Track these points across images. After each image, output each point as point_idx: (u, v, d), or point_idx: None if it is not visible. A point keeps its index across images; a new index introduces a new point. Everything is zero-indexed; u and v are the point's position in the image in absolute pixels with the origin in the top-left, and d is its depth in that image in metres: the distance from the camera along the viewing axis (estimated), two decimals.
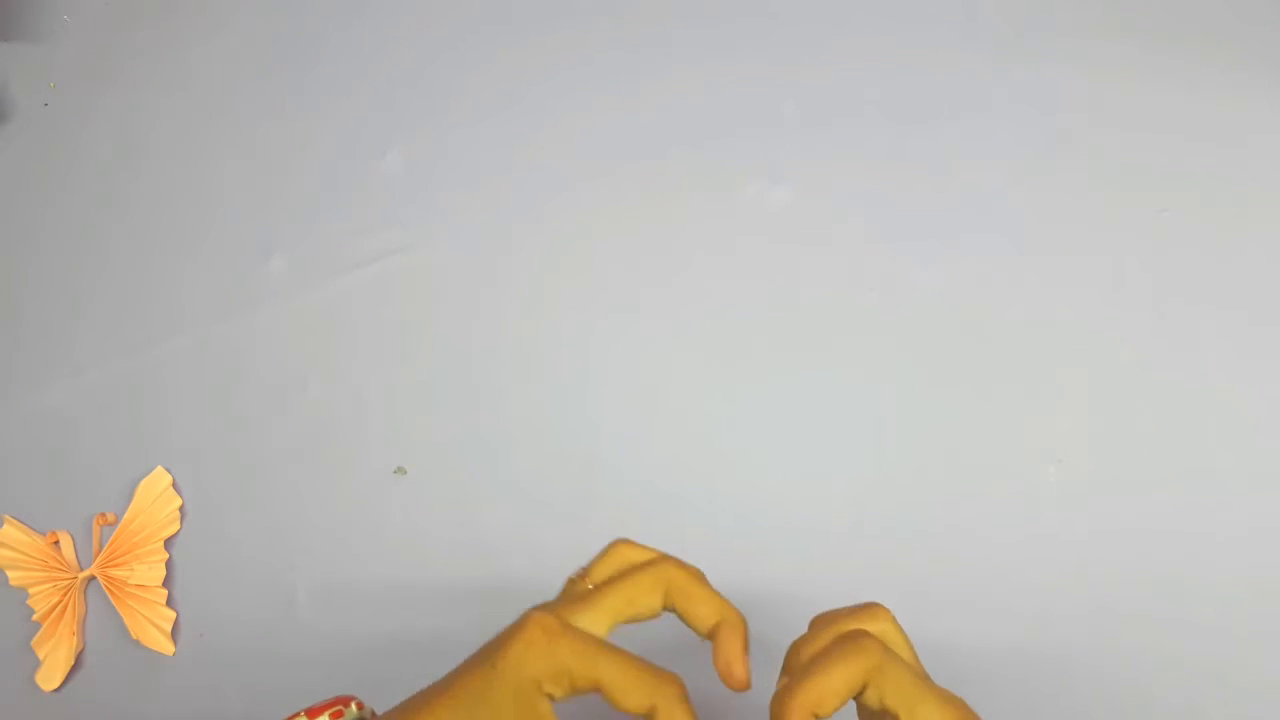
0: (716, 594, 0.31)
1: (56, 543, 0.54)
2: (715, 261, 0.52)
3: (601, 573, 0.33)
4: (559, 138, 0.55)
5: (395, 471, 0.52)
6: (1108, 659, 0.45)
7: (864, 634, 0.30)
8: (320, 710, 0.36)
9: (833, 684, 0.29)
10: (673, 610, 0.31)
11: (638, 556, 0.33)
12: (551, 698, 0.29)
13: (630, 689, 0.28)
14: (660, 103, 0.54)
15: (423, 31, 0.57)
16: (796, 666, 0.31)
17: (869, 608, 0.32)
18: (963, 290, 0.50)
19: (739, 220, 0.52)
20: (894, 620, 0.32)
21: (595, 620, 0.30)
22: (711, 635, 0.31)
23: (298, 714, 0.36)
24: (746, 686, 0.30)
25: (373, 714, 0.38)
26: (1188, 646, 0.45)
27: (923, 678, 0.30)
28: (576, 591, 0.32)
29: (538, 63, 0.56)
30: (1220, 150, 0.50)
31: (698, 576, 0.32)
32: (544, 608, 0.31)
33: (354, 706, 0.37)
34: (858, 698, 0.30)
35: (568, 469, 0.51)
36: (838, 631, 0.31)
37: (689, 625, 0.31)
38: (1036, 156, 0.51)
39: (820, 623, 0.33)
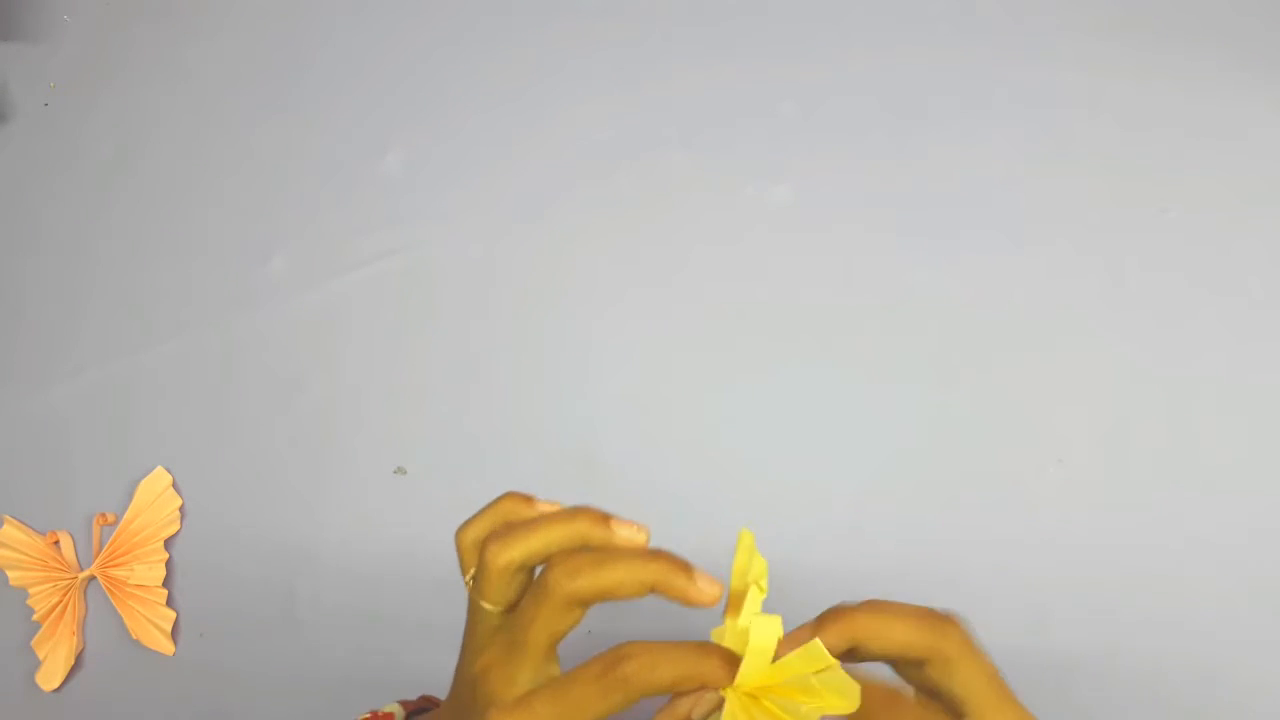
0: (620, 565, 0.28)
1: (56, 543, 0.54)
2: (715, 260, 0.52)
3: (496, 591, 0.30)
4: (558, 137, 0.55)
5: (395, 471, 0.52)
6: (1108, 658, 0.45)
7: (949, 616, 0.28)
8: None
9: (895, 630, 0.28)
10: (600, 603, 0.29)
11: (519, 557, 0.30)
12: None
13: (614, 706, 0.27)
14: (660, 102, 0.54)
15: (422, 32, 0.57)
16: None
17: (948, 611, 0.29)
18: (963, 289, 0.50)
19: (739, 219, 0.52)
20: (968, 633, 0.29)
21: (536, 671, 0.29)
22: (654, 594, 0.29)
23: None
24: (719, 595, 0.28)
25: (402, 712, 0.37)
26: (1188, 646, 0.45)
27: (1004, 684, 0.28)
28: (487, 624, 0.31)
29: (537, 63, 0.56)
30: (1221, 148, 0.50)
31: (596, 565, 0.28)
32: (485, 689, 0.29)
33: (397, 705, 0.36)
34: (911, 671, 0.29)
35: (567, 469, 0.51)
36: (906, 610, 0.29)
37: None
38: (1037, 155, 0.51)
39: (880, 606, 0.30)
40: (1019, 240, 0.50)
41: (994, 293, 0.50)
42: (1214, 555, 0.46)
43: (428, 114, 0.56)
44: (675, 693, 0.27)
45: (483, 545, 0.30)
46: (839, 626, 0.28)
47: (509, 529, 0.30)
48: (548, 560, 0.29)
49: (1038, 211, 0.50)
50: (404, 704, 0.38)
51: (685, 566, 0.28)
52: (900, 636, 0.28)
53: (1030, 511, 0.47)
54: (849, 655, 0.29)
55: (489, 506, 0.32)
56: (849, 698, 0.26)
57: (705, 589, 0.28)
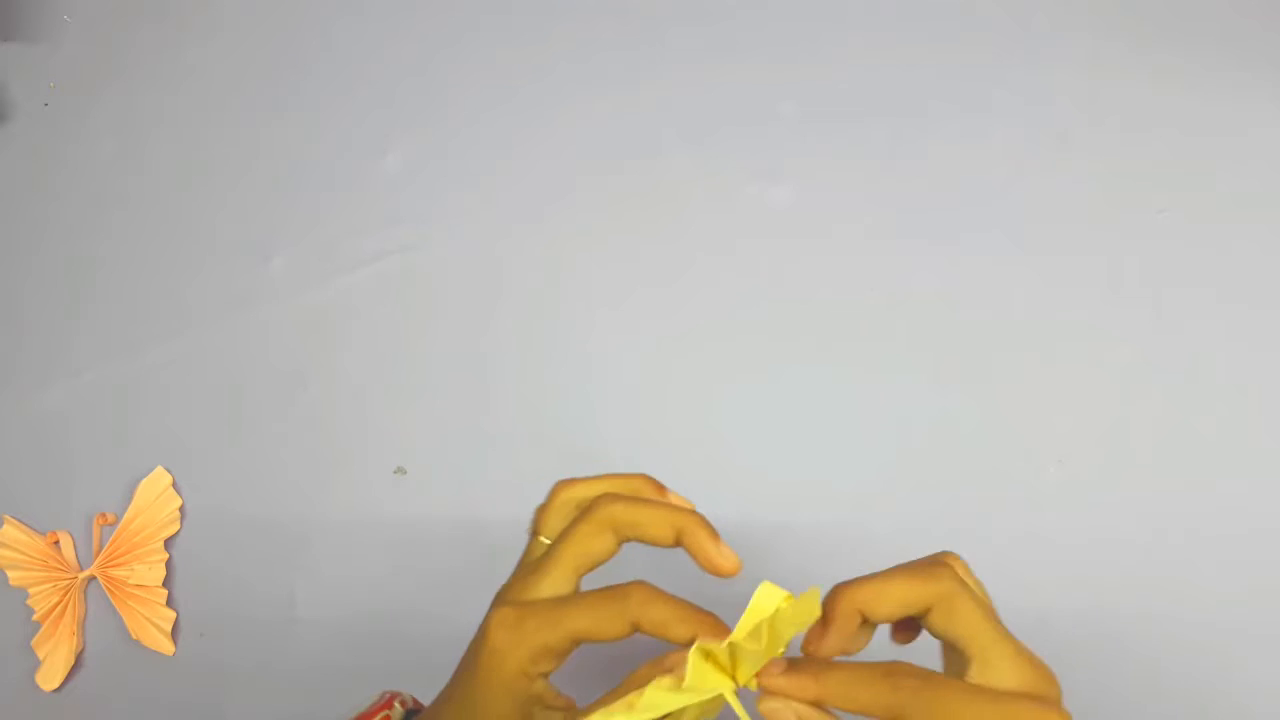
0: (661, 506, 0.31)
1: (56, 543, 0.54)
2: (715, 261, 0.52)
3: (551, 523, 0.33)
4: (559, 137, 0.55)
5: (395, 471, 0.52)
6: (1108, 659, 0.45)
7: (940, 560, 0.30)
8: (371, 716, 0.36)
9: (891, 589, 0.29)
10: (630, 540, 0.31)
11: (581, 494, 0.32)
12: (545, 674, 0.30)
13: (605, 624, 0.28)
14: (660, 102, 0.54)
15: (422, 32, 0.57)
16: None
17: (937, 555, 0.31)
18: (963, 289, 0.50)
19: (739, 220, 0.52)
20: (966, 568, 0.31)
21: (556, 584, 0.30)
22: (677, 545, 0.30)
23: None
24: (737, 567, 0.30)
25: (414, 701, 0.38)
26: (1188, 646, 0.45)
27: (998, 620, 0.29)
28: (534, 554, 0.33)
29: (537, 62, 0.56)
30: (1220, 149, 0.50)
31: (637, 501, 0.31)
32: (503, 592, 0.31)
33: (398, 705, 0.37)
34: (922, 623, 0.29)
35: (568, 469, 0.50)
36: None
37: (654, 546, 0.31)
38: (1036, 156, 0.51)
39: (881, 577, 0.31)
40: (1019, 240, 0.50)
41: (994, 293, 0.50)
42: (1214, 555, 0.46)
43: (428, 114, 0.56)
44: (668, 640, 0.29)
45: (554, 484, 0.34)
46: (843, 602, 0.29)
47: (580, 476, 0.33)
48: None
49: (1038, 212, 0.50)
50: (403, 703, 0.38)
51: (715, 531, 0.30)
52: (899, 593, 0.29)
53: (1030, 511, 0.47)
54: (862, 626, 0.29)
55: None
56: (810, 607, 0.28)
57: (726, 556, 0.30)
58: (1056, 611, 0.46)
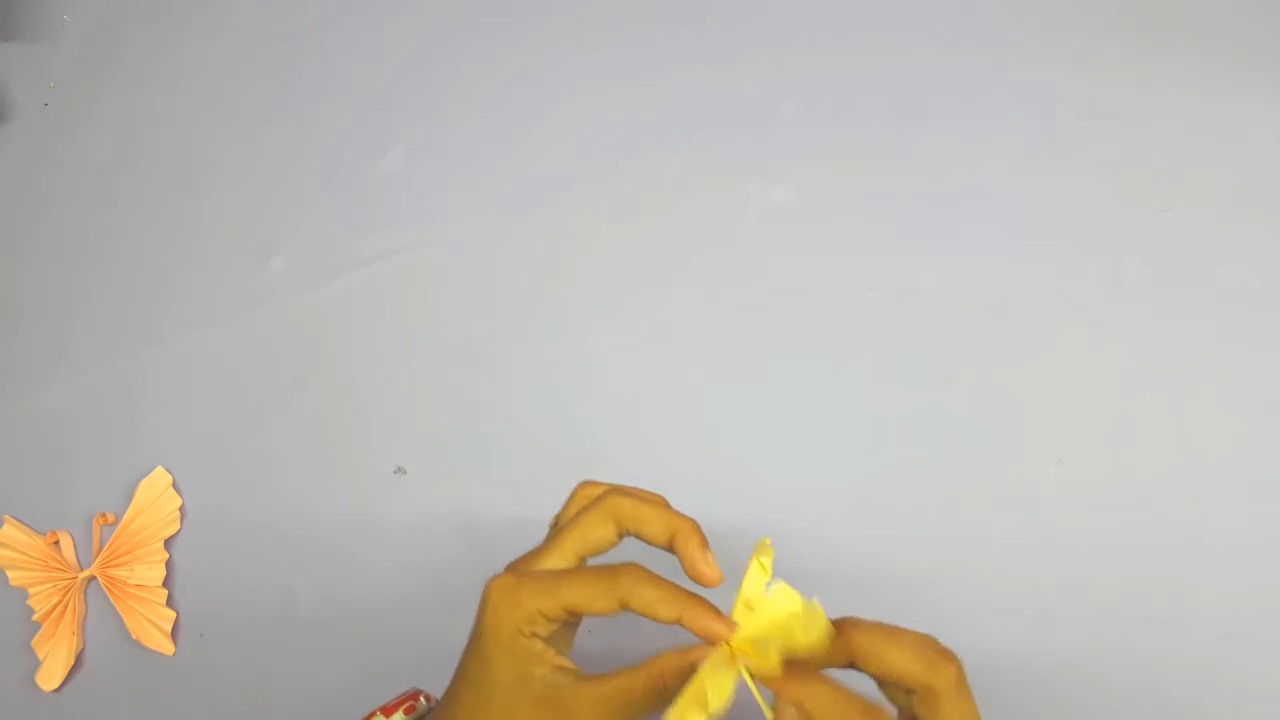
0: (662, 509, 0.33)
1: (56, 543, 0.54)
2: (715, 260, 0.52)
3: (568, 516, 0.35)
4: (559, 137, 0.55)
5: (395, 471, 0.52)
6: (1108, 661, 0.45)
7: (949, 654, 0.30)
8: (394, 708, 0.38)
9: (889, 652, 0.29)
10: (630, 535, 0.34)
11: (596, 493, 0.35)
12: (541, 636, 0.31)
13: (595, 597, 0.30)
14: (660, 101, 0.54)
15: (422, 31, 0.57)
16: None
17: (940, 659, 0.30)
18: (963, 289, 0.50)
19: (739, 219, 0.52)
20: (961, 679, 0.31)
21: (555, 561, 0.33)
22: (670, 548, 0.33)
23: (374, 713, 0.38)
24: (719, 580, 0.32)
25: (428, 699, 0.40)
26: (1189, 649, 0.45)
27: None
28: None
29: (537, 62, 0.56)
30: (1221, 148, 0.50)
31: (645, 499, 0.33)
32: (508, 567, 0.34)
33: (423, 700, 0.39)
34: (899, 695, 0.30)
35: (567, 469, 0.51)
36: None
37: (649, 544, 0.33)
38: (1036, 154, 0.51)
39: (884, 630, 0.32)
40: (1019, 240, 0.50)
41: (994, 292, 0.50)
42: (1215, 556, 0.46)
43: (428, 114, 0.56)
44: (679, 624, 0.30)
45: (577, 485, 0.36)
46: (842, 639, 0.29)
47: (598, 482, 0.36)
48: None
49: (1038, 211, 0.50)
50: (427, 698, 0.39)
51: (706, 542, 0.33)
52: (897, 662, 0.29)
53: (1030, 512, 0.47)
54: (845, 668, 0.31)
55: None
56: (817, 631, 0.30)
57: (709, 565, 0.32)
58: (1056, 612, 0.46)
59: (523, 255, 0.54)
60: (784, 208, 0.52)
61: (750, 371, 0.51)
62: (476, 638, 0.32)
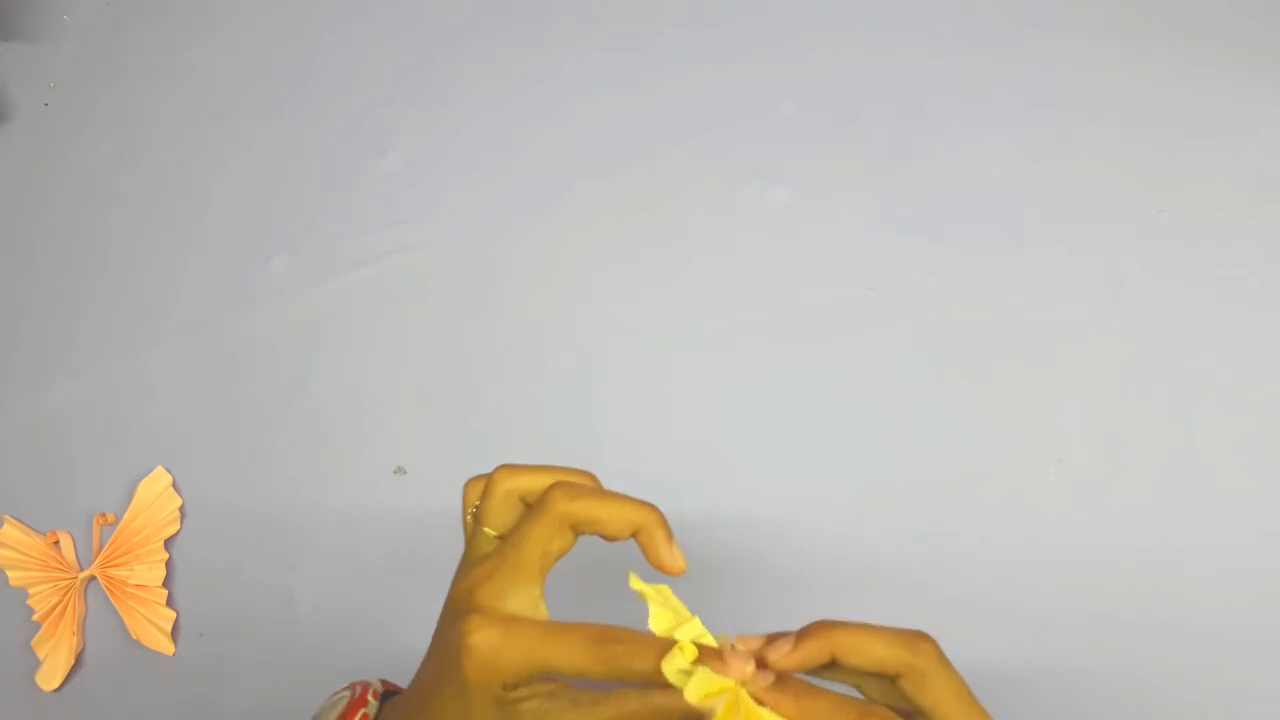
0: (616, 501, 0.31)
1: (56, 543, 0.54)
2: (715, 261, 0.52)
3: (497, 515, 0.33)
4: (559, 137, 0.55)
5: (395, 471, 0.52)
6: (1108, 660, 0.45)
7: (922, 634, 0.30)
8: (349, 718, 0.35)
9: (871, 643, 0.29)
10: (587, 534, 0.32)
11: (526, 486, 0.33)
12: (522, 684, 0.30)
13: (586, 668, 0.29)
14: (660, 102, 0.54)
15: (422, 32, 0.57)
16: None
17: (915, 639, 0.31)
18: (962, 289, 0.50)
19: (739, 220, 0.52)
20: (940, 656, 0.31)
21: (525, 588, 0.31)
22: (634, 539, 0.31)
23: None
24: (682, 570, 0.31)
25: (383, 683, 0.38)
26: (1188, 648, 0.45)
27: (973, 700, 0.30)
28: (483, 548, 0.33)
29: (537, 62, 0.56)
30: (1220, 148, 0.50)
31: (594, 497, 0.31)
32: (469, 591, 0.31)
33: (372, 699, 0.36)
34: (886, 688, 0.30)
35: None
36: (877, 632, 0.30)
37: (608, 540, 0.32)
38: (1036, 155, 0.51)
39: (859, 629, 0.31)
40: (1019, 240, 0.50)
41: (994, 293, 0.50)
42: (1215, 556, 0.46)
43: (428, 114, 0.56)
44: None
45: (492, 474, 0.33)
46: (820, 640, 0.29)
47: (522, 466, 0.33)
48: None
49: (1038, 211, 0.50)
50: (375, 694, 0.37)
51: (668, 529, 0.32)
52: (878, 651, 0.29)
53: (1030, 512, 0.47)
54: (827, 668, 0.30)
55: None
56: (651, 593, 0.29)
57: (676, 557, 0.31)
58: (1056, 612, 0.46)
59: (522, 255, 0.54)
60: (784, 208, 0.52)
61: (750, 371, 0.51)
62: (456, 684, 0.29)
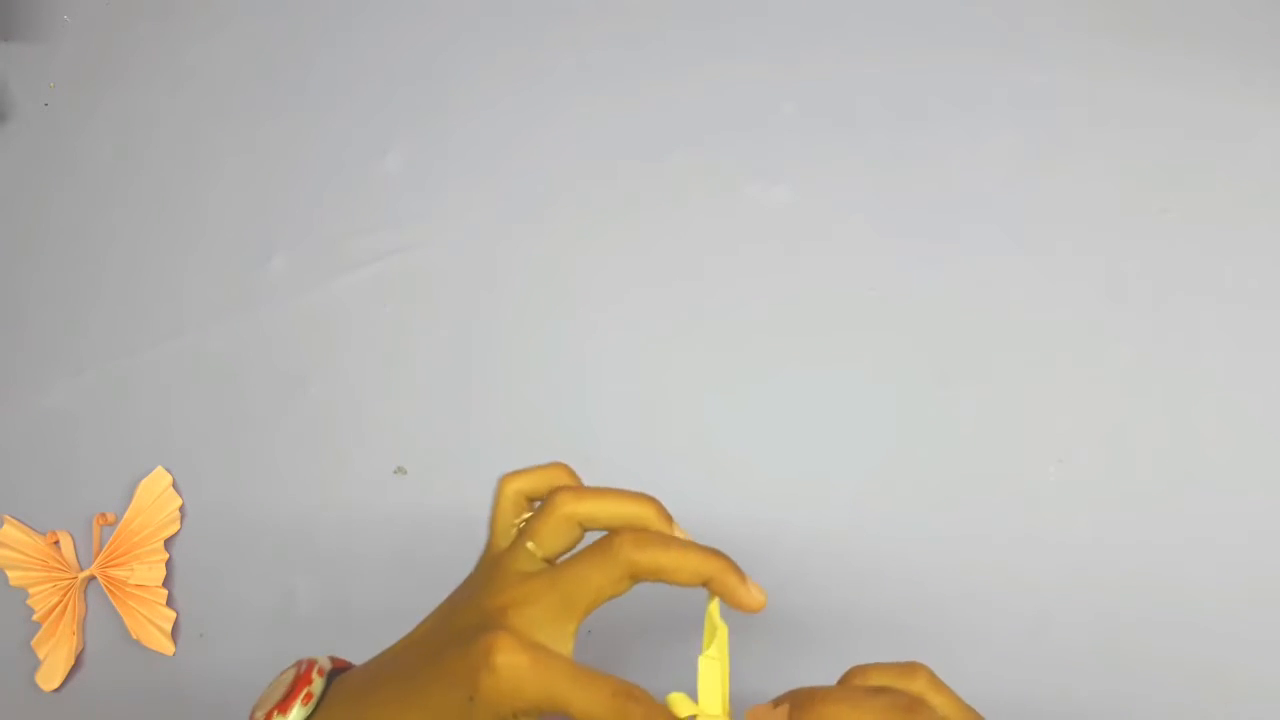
0: (683, 552, 0.30)
1: (56, 543, 0.54)
2: (715, 261, 0.52)
3: (548, 538, 0.32)
4: (559, 138, 0.55)
5: (395, 471, 0.52)
6: (1108, 661, 0.45)
7: (916, 663, 0.30)
8: (289, 702, 0.33)
9: (869, 673, 0.30)
10: (647, 581, 0.30)
11: (587, 512, 0.31)
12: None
13: (595, 714, 0.28)
14: (660, 102, 0.54)
15: (422, 32, 0.57)
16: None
17: (909, 666, 0.31)
18: (963, 289, 0.50)
19: (739, 220, 0.52)
20: (934, 678, 0.31)
21: (563, 625, 0.30)
22: (707, 585, 0.30)
23: (270, 713, 0.33)
24: (763, 603, 0.30)
25: (332, 660, 0.36)
26: (1189, 647, 0.45)
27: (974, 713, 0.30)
28: (522, 564, 0.32)
29: (537, 63, 0.56)
30: (1221, 149, 0.50)
31: (661, 543, 0.30)
32: (503, 607, 0.30)
33: (317, 676, 0.35)
34: None
35: None
36: (873, 683, 0.30)
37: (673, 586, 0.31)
38: (1036, 156, 0.51)
39: (855, 674, 0.31)
40: (1019, 240, 0.50)
41: (994, 293, 0.50)
42: (1215, 556, 0.46)
43: (428, 114, 0.56)
44: None
45: (553, 492, 0.32)
46: (811, 714, 0.28)
47: (583, 487, 0.32)
48: (609, 528, 0.31)
49: (1038, 212, 0.50)
50: (320, 671, 0.36)
51: (739, 570, 0.30)
52: (876, 679, 0.30)
53: (1030, 512, 0.47)
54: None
55: (540, 467, 0.34)
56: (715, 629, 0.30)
57: (755, 594, 0.30)
58: (1056, 612, 0.46)
59: (522, 255, 0.54)
60: (784, 208, 0.52)
61: (750, 371, 0.51)
62: (461, 692, 0.29)
